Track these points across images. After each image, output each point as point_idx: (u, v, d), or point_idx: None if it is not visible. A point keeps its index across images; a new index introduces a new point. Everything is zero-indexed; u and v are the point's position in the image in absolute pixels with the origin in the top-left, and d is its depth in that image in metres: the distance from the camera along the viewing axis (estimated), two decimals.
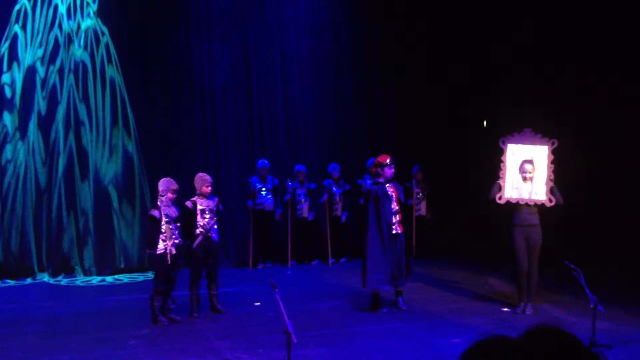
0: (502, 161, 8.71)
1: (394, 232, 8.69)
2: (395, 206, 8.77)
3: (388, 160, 8.80)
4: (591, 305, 6.97)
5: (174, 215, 8.33)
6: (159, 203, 8.35)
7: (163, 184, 8.41)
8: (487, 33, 13.07)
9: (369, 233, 8.70)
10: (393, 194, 8.80)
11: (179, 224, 8.43)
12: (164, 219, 8.23)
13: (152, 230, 8.36)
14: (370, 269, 8.65)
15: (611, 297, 8.38)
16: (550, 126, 9.39)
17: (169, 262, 8.20)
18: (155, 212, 8.30)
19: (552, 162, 8.60)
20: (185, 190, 9.11)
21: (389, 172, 8.78)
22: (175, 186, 8.40)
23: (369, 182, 10.52)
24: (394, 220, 8.71)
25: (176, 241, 8.29)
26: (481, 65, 13.15)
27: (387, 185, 8.82)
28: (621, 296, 9.12)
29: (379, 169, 8.83)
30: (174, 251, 8.23)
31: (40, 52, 11.60)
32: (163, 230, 8.22)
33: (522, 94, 12.11)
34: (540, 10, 12.02)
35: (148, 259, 10.69)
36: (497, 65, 12.88)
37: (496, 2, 12.94)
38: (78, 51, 11.76)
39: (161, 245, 8.21)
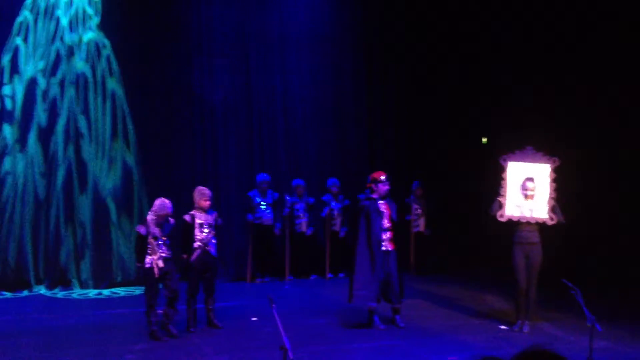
0: (503, 178, 8.70)
1: (383, 249, 8.65)
2: (386, 223, 8.72)
3: (383, 177, 8.78)
4: (589, 324, 6.93)
5: (158, 234, 8.18)
6: (147, 218, 8.30)
7: (155, 205, 8.28)
8: (488, 54, 13.12)
9: (358, 248, 8.67)
10: (385, 211, 8.76)
11: (165, 239, 8.26)
12: (150, 235, 8.18)
13: (137, 244, 8.40)
14: (356, 285, 8.63)
15: (609, 316, 8.35)
16: (551, 145, 9.38)
17: (157, 276, 8.13)
18: (141, 229, 8.25)
19: (554, 180, 8.59)
20: (185, 204, 9.10)
21: (383, 188, 8.75)
22: (165, 212, 8.20)
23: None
24: (384, 237, 8.66)
25: (163, 255, 8.17)
26: (481, 85, 13.19)
27: (381, 202, 8.78)
28: (619, 315, 9.10)
29: (373, 185, 8.80)
30: (161, 264, 8.10)
31: (41, 65, 11.61)
32: (148, 245, 8.16)
33: (522, 114, 12.12)
34: (540, 29, 12.08)
35: (137, 272, 10.60)
36: (497, 87, 12.93)
37: (496, 23, 13.02)
38: (79, 64, 11.78)
39: (147, 259, 8.17)
